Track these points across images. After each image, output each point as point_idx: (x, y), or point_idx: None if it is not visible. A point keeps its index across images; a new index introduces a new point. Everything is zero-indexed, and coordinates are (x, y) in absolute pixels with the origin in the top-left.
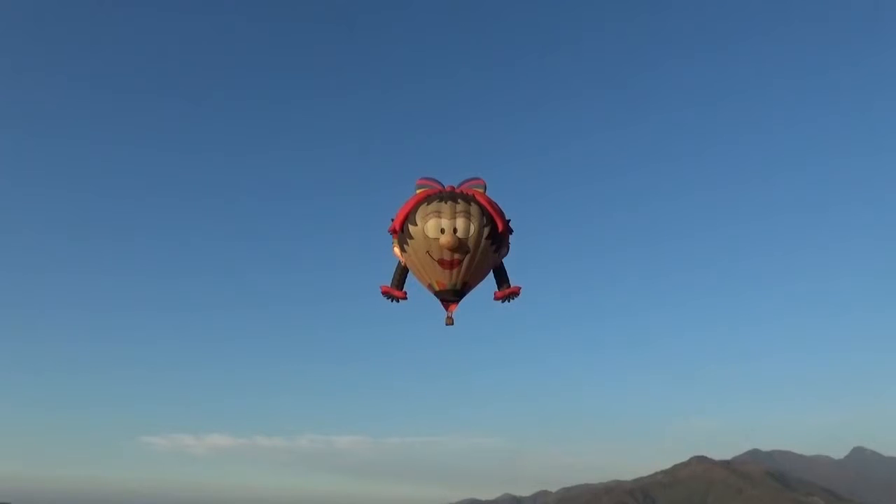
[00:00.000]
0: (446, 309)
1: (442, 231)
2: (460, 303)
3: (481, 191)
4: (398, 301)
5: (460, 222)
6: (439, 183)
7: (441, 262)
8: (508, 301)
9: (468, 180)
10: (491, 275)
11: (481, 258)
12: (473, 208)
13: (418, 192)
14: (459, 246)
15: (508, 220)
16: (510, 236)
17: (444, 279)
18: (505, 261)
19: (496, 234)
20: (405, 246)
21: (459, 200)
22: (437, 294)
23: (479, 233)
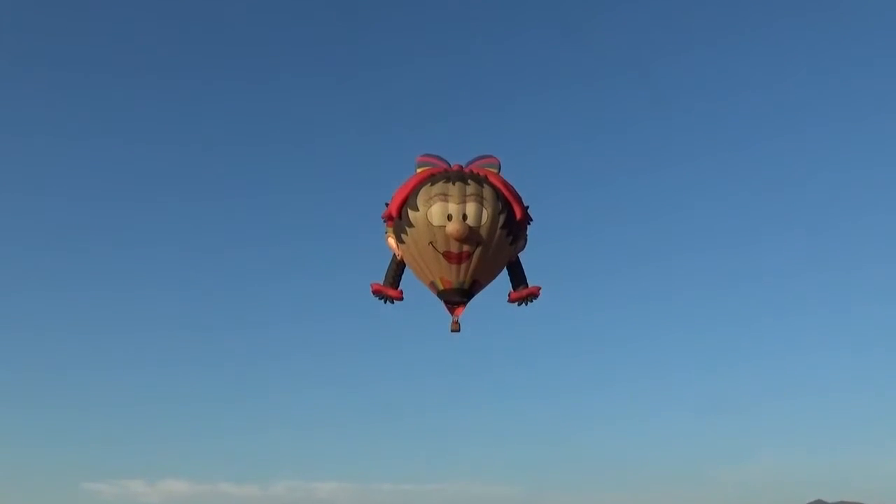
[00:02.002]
0: (451, 312)
1: (449, 217)
2: (469, 305)
3: (495, 171)
4: (392, 302)
5: (471, 207)
6: (444, 161)
7: (447, 256)
8: (526, 304)
9: (478, 158)
10: (504, 274)
11: (495, 251)
12: (486, 191)
13: (419, 171)
14: (470, 235)
15: (527, 207)
16: (528, 227)
17: (450, 276)
18: (521, 256)
19: (513, 223)
20: (403, 236)
21: (470, 181)
22: (440, 294)
23: (494, 220)
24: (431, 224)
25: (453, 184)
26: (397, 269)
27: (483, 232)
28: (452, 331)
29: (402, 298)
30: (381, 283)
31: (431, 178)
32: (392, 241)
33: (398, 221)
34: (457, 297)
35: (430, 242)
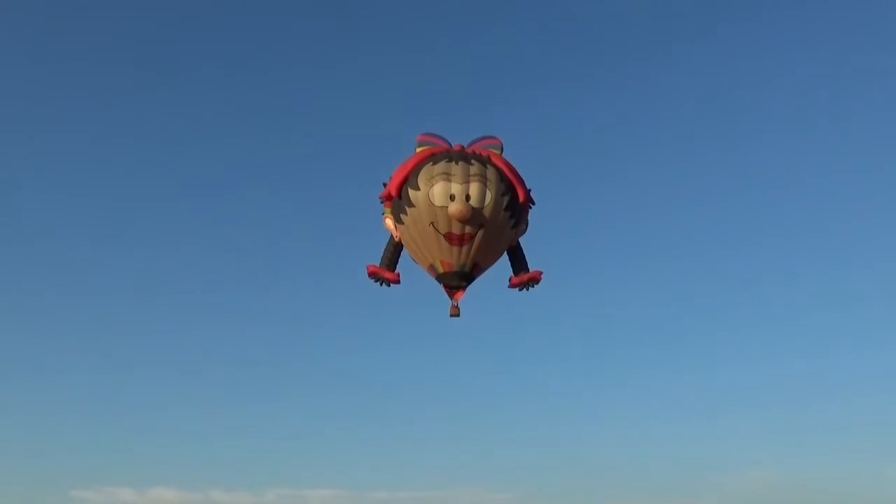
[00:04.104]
0: (450, 297)
1: (452, 198)
2: (466, 300)
3: (497, 152)
4: (388, 285)
5: (474, 188)
6: (445, 141)
7: (449, 237)
8: (527, 289)
9: (480, 139)
10: (500, 261)
11: (497, 234)
12: (490, 172)
13: (419, 150)
14: (473, 217)
15: (529, 190)
16: (530, 210)
17: (451, 258)
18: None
19: (516, 206)
20: (402, 216)
21: (473, 162)
22: (439, 277)
23: (497, 202)
24: (433, 204)
25: (456, 163)
26: (394, 252)
27: (486, 213)
28: (451, 315)
29: (398, 281)
30: (378, 264)
31: (433, 158)
32: (390, 221)
33: (397, 201)
34: (457, 281)
35: (431, 223)
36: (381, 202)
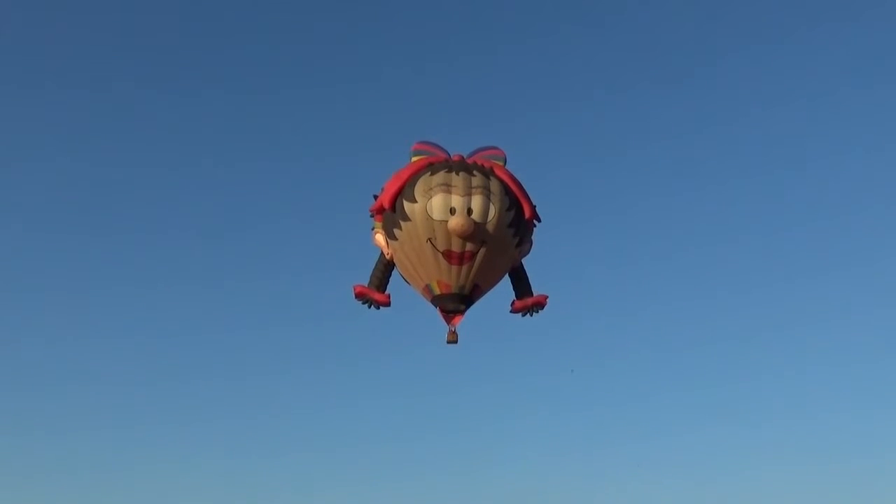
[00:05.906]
0: (448, 322)
1: (452, 211)
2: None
3: (501, 164)
4: (378, 307)
5: (477, 201)
6: (444, 150)
7: (448, 255)
8: (531, 314)
9: (482, 149)
10: (504, 283)
11: (500, 253)
12: (494, 184)
13: (415, 159)
14: (475, 232)
15: (534, 206)
16: (535, 228)
17: (450, 279)
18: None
19: (521, 222)
20: (395, 231)
21: (475, 173)
22: (435, 300)
23: (501, 217)
24: (431, 218)
25: (457, 174)
26: (385, 271)
27: (489, 229)
28: (449, 342)
29: (388, 304)
30: (366, 285)
31: (431, 168)
32: (381, 237)
33: (390, 215)
34: (454, 304)
35: (429, 239)
36: (372, 216)
